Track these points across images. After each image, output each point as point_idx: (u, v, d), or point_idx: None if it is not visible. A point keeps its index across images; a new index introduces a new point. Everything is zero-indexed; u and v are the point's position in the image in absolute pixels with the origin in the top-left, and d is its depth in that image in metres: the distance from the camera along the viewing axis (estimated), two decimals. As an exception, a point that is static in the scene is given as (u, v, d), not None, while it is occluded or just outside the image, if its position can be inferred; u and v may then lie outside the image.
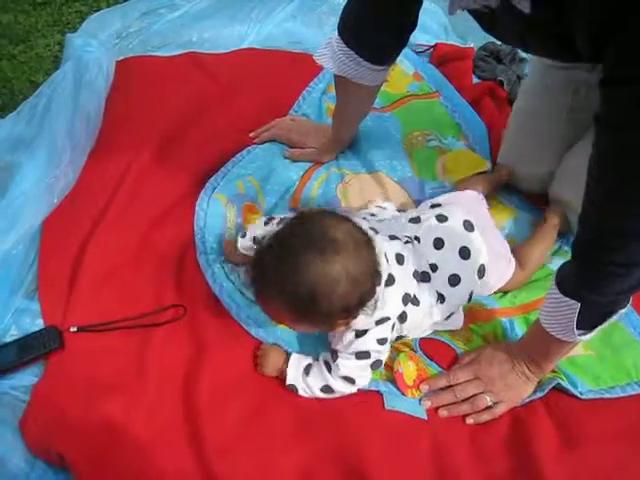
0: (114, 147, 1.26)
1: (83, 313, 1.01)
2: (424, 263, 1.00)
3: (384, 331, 0.95)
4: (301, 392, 0.95)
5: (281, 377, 0.97)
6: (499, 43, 1.60)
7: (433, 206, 1.09)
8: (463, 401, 0.97)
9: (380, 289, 0.91)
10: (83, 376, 0.94)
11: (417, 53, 1.61)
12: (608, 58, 0.68)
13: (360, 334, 0.93)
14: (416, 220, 1.05)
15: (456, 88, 1.50)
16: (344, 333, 0.94)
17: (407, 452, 0.93)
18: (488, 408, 0.96)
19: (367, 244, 0.88)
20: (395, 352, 1.03)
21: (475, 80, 1.56)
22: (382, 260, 0.91)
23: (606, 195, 0.74)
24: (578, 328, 0.84)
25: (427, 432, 0.95)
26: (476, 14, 0.88)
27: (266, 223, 1.04)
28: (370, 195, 1.24)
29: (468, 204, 1.10)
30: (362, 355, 0.94)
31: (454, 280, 1.00)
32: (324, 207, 1.21)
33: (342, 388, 0.95)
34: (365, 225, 0.96)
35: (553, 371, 1.00)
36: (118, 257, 1.09)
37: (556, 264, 1.18)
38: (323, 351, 0.99)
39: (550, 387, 0.98)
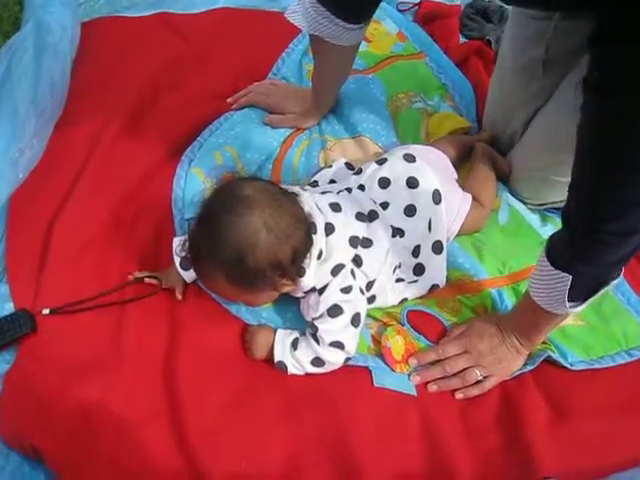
0: (82, 115, 1.19)
1: (55, 294, 0.96)
2: (368, 205, 1.00)
3: (344, 279, 0.93)
4: (290, 368, 0.92)
5: (270, 357, 0.94)
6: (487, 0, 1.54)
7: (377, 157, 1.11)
8: (453, 375, 0.95)
9: (322, 239, 0.92)
10: (57, 360, 0.90)
11: (401, 11, 1.54)
12: (600, 12, 0.62)
13: (322, 290, 0.93)
14: (358, 172, 1.08)
15: (442, 48, 1.45)
16: (309, 297, 0.94)
17: (396, 429, 0.91)
18: (478, 382, 0.94)
19: (284, 195, 0.91)
20: (383, 327, 1.01)
21: (462, 39, 1.50)
22: (314, 212, 0.93)
23: (599, 164, 0.72)
24: (569, 300, 0.82)
25: (416, 408, 0.93)
26: None
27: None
28: (355, 160, 1.18)
29: (418, 150, 1.10)
30: (334, 311, 0.92)
31: (410, 210, 1.00)
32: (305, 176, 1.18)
33: (332, 357, 0.92)
34: (292, 187, 1.00)
35: (543, 342, 0.98)
36: (89, 234, 1.04)
37: (544, 231, 1.15)
38: (307, 327, 0.96)
39: (540, 360, 0.97)
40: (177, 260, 0.97)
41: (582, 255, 0.78)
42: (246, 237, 0.85)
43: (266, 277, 0.88)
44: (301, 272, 0.90)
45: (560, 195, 1.17)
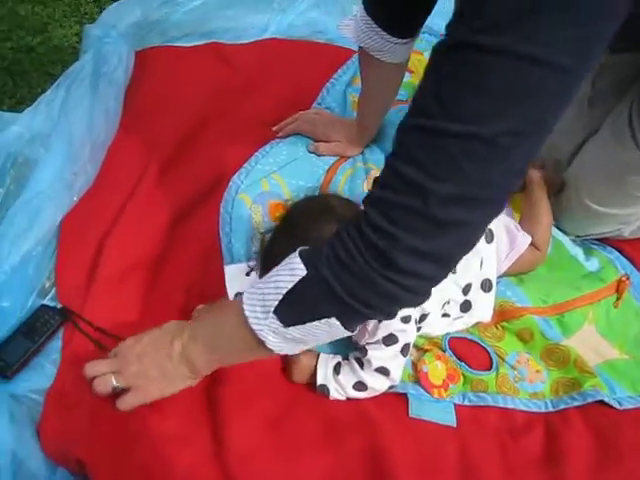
0: (134, 141, 1.23)
1: (99, 313, 0.99)
2: None
3: (405, 309, 0.92)
4: (333, 392, 0.92)
5: (311, 381, 0.94)
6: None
7: None
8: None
9: None
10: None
11: (443, 42, 1.56)
12: None
13: None
14: None
15: (484, 78, 1.45)
16: (367, 323, 0.92)
17: (434, 461, 0.89)
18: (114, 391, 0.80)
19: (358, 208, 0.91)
20: (422, 352, 1.00)
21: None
22: None
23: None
24: (275, 312, 0.68)
25: (455, 440, 0.91)
26: None
27: (248, 274, 1.00)
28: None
29: None
30: (390, 340, 0.92)
31: None
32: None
33: (375, 383, 0.92)
34: None
35: (593, 377, 0.96)
36: (136, 257, 1.07)
37: (589, 265, 1.14)
38: (351, 352, 0.96)
39: (591, 400, 0.94)
40: (231, 295, 0.97)
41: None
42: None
43: None
44: None
45: (603, 227, 1.16)
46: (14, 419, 0.87)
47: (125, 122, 1.27)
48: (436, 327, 1.01)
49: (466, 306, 1.01)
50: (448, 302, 1.00)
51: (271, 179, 1.19)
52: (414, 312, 0.95)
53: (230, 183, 1.19)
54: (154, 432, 0.86)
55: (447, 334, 1.02)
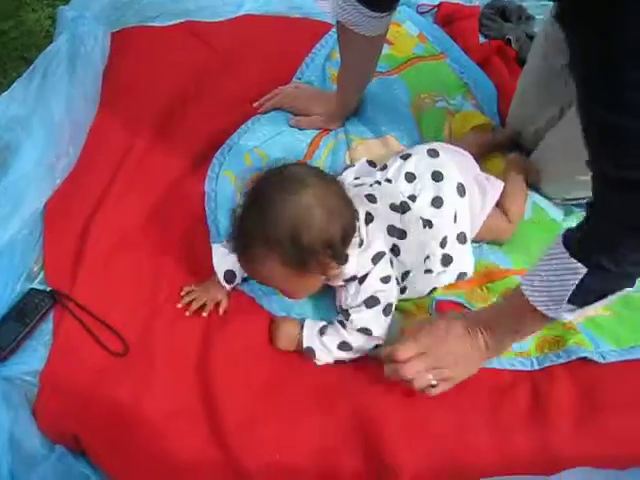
0: (115, 122, 1.23)
1: (88, 292, 1.00)
2: (399, 197, 1.02)
3: (384, 268, 0.95)
4: (318, 353, 0.94)
5: (297, 349, 0.96)
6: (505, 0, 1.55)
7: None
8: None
9: (362, 227, 0.95)
10: (89, 357, 0.94)
11: (420, 13, 1.56)
12: None
13: (362, 279, 0.94)
14: (383, 167, 1.10)
15: (462, 48, 1.46)
16: (349, 285, 0.95)
17: (423, 420, 0.91)
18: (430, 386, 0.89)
19: (333, 179, 0.94)
20: (411, 317, 1.02)
21: (482, 39, 1.51)
22: (355, 201, 0.94)
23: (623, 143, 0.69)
24: (569, 301, 0.78)
25: (443, 400, 0.91)
26: None
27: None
28: (379, 160, 1.20)
29: (441, 146, 1.11)
30: (371, 301, 0.94)
31: (437, 202, 1.02)
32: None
33: (360, 342, 0.94)
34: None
35: (576, 334, 0.98)
36: (123, 235, 1.07)
37: (568, 224, 1.16)
38: (335, 316, 0.99)
39: (575, 357, 0.96)
40: (220, 274, 0.98)
41: (609, 243, 0.74)
42: (301, 214, 0.85)
43: (319, 256, 0.88)
44: (346, 259, 0.91)
45: (586, 191, 1.17)
46: (9, 401, 0.89)
47: (104, 103, 1.27)
48: (420, 284, 1.02)
49: (446, 259, 1.02)
50: (428, 257, 1.01)
51: (254, 154, 1.20)
52: (394, 271, 0.96)
53: (213, 160, 1.19)
54: (146, 407, 0.89)
55: (433, 298, 1.04)
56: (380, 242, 0.96)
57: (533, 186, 1.21)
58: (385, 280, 0.95)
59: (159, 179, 1.15)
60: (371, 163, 1.16)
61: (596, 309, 0.99)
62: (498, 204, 1.11)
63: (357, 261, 0.93)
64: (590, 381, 0.96)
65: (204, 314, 0.99)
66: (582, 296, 0.79)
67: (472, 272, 1.05)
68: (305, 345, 0.94)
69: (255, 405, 0.91)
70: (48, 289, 1.00)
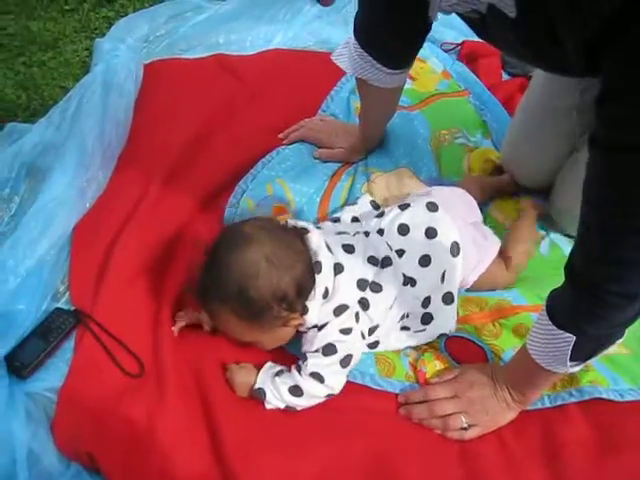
0: (143, 149, 1.27)
1: (109, 314, 1.02)
2: (383, 251, 1.00)
3: (345, 321, 0.94)
4: (269, 395, 0.91)
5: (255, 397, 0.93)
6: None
7: (401, 200, 1.11)
8: (437, 417, 0.93)
9: (329, 278, 0.94)
10: (106, 377, 0.95)
11: (445, 51, 1.59)
12: (606, 72, 0.62)
13: (321, 328, 0.93)
14: (380, 215, 1.09)
15: (486, 85, 1.48)
16: (308, 332, 0.94)
17: (434, 456, 0.91)
18: (461, 429, 0.92)
19: (284, 231, 0.95)
20: (421, 354, 1.02)
21: (505, 76, 1.54)
22: (322, 251, 0.95)
23: (604, 222, 0.70)
24: (571, 360, 0.80)
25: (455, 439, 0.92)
26: (467, 19, 0.83)
27: None
28: (394, 192, 1.23)
29: (442, 196, 1.09)
30: (328, 349, 0.92)
31: (425, 261, 1.01)
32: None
33: (311, 388, 0.91)
34: (308, 225, 1.00)
35: (591, 372, 0.97)
36: (146, 259, 1.09)
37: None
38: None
39: (590, 397, 0.95)
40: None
41: (588, 316, 0.76)
42: (246, 268, 0.88)
43: (273, 310, 0.89)
44: (305, 310, 0.92)
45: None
46: (30, 417, 0.91)
47: (135, 131, 1.31)
48: (394, 340, 1.01)
49: (426, 318, 1.01)
50: (407, 315, 1.01)
51: (275, 184, 1.23)
52: (359, 325, 0.96)
53: (236, 188, 1.22)
54: (159, 428, 0.89)
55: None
56: (346, 294, 0.95)
57: (550, 221, 1.21)
58: (345, 332, 0.94)
59: (182, 206, 1.18)
60: (374, 204, 1.17)
61: (613, 347, 1.00)
62: (499, 252, 1.10)
63: (319, 312, 0.93)
64: (606, 421, 0.94)
65: (206, 327, 1.00)
66: (581, 354, 0.81)
67: (453, 330, 1.03)
68: (257, 386, 0.92)
69: (258, 433, 0.91)
70: (72, 309, 1.03)
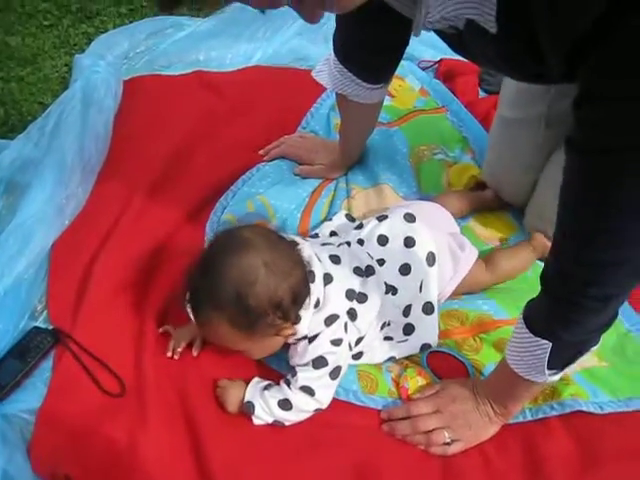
0: (123, 166, 1.27)
1: (89, 333, 1.01)
2: (366, 260, 1.01)
3: (336, 331, 0.94)
4: (257, 409, 0.91)
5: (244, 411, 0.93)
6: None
7: (379, 212, 1.12)
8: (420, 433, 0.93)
9: (320, 288, 0.94)
10: (86, 397, 0.94)
11: (422, 69, 1.62)
12: (584, 76, 0.63)
13: (312, 339, 0.93)
14: (359, 226, 1.09)
15: (463, 103, 1.50)
16: (298, 344, 0.94)
17: (418, 472, 0.91)
18: (444, 444, 0.92)
19: (281, 239, 0.94)
20: (403, 369, 1.02)
21: (482, 94, 1.56)
22: (314, 261, 0.95)
23: (580, 225, 0.71)
24: (549, 368, 0.81)
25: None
26: (443, 35, 0.84)
27: None
28: (374, 208, 1.24)
29: (420, 209, 1.11)
30: (319, 362, 0.92)
31: (405, 269, 1.01)
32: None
33: (301, 402, 0.91)
34: (294, 237, 1.01)
35: (570, 385, 0.97)
36: (127, 276, 1.09)
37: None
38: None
39: (571, 410, 0.95)
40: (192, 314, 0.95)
41: (563, 321, 0.77)
42: (244, 274, 0.86)
43: (268, 318, 0.88)
44: (298, 319, 0.92)
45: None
46: (6, 439, 0.89)
47: (114, 147, 1.31)
48: (378, 351, 1.01)
49: (409, 329, 1.01)
50: (389, 324, 1.01)
51: (256, 200, 1.23)
52: (348, 335, 0.95)
53: (217, 204, 1.22)
54: (140, 449, 0.88)
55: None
56: (337, 304, 0.95)
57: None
58: (336, 343, 0.93)
59: (162, 223, 1.18)
60: (350, 217, 1.18)
61: (592, 360, 1.01)
62: (489, 258, 1.11)
63: (310, 321, 0.93)
64: (587, 433, 0.95)
65: (194, 353, 0.99)
66: (558, 361, 0.82)
67: (436, 344, 1.03)
68: (246, 399, 0.92)
69: (244, 450, 0.91)
70: (50, 328, 1.02)
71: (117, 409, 0.93)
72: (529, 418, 0.96)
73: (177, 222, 1.19)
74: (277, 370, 0.99)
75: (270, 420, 0.92)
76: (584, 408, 0.96)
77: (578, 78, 0.64)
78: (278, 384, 0.95)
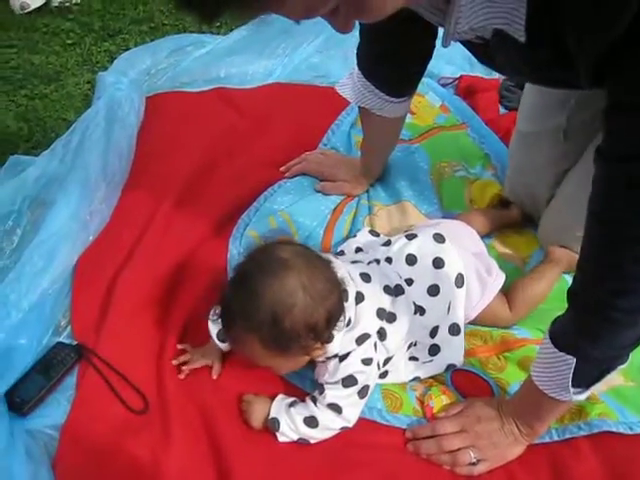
0: (146, 182, 1.28)
1: (112, 349, 1.01)
2: (395, 279, 1.00)
3: (367, 350, 0.93)
4: (282, 426, 0.90)
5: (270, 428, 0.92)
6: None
7: (406, 230, 1.11)
8: (446, 452, 0.92)
9: (352, 307, 0.93)
10: (109, 413, 0.94)
11: (443, 85, 1.62)
12: (614, 84, 0.64)
13: (343, 357, 0.92)
14: (387, 243, 1.08)
15: (483, 120, 1.50)
16: (328, 362, 0.93)
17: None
18: (470, 464, 0.91)
19: (319, 259, 0.91)
20: (427, 388, 1.01)
21: (502, 110, 1.56)
22: (347, 280, 0.93)
23: (611, 235, 0.70)
24: (573, 386, 0.80)
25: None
26: (470, 45, 0.84)
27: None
28: (396, 225, 1.24)
29: (447, 228, 1.09)
30: (349, 381, 0.91)
31: (433, 290, 1.00)
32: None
33: (327, 419, 0.90)
34: (326, 255, 0.99)
35: (599, 404, 0.96)
36: (150, 292, 1.09)
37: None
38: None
39: (599, 430, 0.94)
40: (214, 332, 0.96)
41: (591, 335, 0.76)
42: (283, 298, 0.84)
43: (300, 340, 0.87)
44: (330, 338, 0.90)
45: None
46: (31, 455, 0.89)
47: (138, 163, 1.32)
48: (403, 371, 1.00)
49: (435, 350, 1.00)
50: (415, 344, 1.00)
51: (278, 217, 1.23)
52: (377, 355, 0.94)
53: (239, 221, 1.23)
54: (163, 466, 0.88)
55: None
56: (368, 323, 0.94)
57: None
58: (366, 362, 0.92)
59: (186, 239, 1.18)
60: (374, 233, 1.17)
61: (619, 380, 1.00)
62: (505, 292, 1.09)
63: (341, 340, 0.92)
64: (616, 454, 0.93)
65: (214, 376, 0.99)
66: (583, 380, 0.81)
67: (461, 364, 1.02)
68: (271, 415, 0.91)
69: (266, 466, 0.90)
70: (74, 343, 1.02)
71: (140, 426, 0.93)
72: (555, 438, 0.95)
73: (200, 239, 1.19)
74: (301, 388, 0.99)
75: (295, 437, 0.91)
76: (613, 429, 0.94)
77: (607, 86, 0.65)
78: (303, 401, 0.94)
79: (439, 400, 0.99)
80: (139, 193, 1.25)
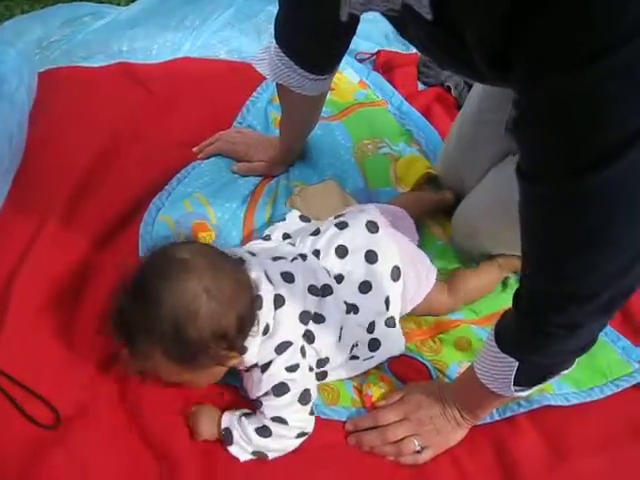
0: (42, 168, 1.15)
1: (12, 360, 0.89)
2: (322, 277, 0.93)
3: (290, 358, 0.87)
4: (236, 437, 0.84)
5: (219, 437, 0.86)
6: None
7: (337, 216, 1.03)
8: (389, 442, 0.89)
9: (270, 312, 0.86)
10: (17, 431, 0.84)
11: (360, 61, 1.57)
12: (513, 86, 0.59)
13: (265, 368, 0.86)
14: (316, 232, 1.00)
15: (403, 95, 1.47)
16: (252, 372, 0.87)
17: (387, 474, 0.88)
18: (414, 452, 0.88)
19: (225, 258, 0.85)
20: (364, 377, 0.98)
21: (420, 86, 1.54)
22: (263, 283, 0.87)
23: (540, 253, 0.68)
24: (515, 384, 0.79)
25: None
26: (388, 17, 0.78)
27: None
28: (320, 206, 1.17)
29: (381, 215, 1.04)
30: (280, 389, 0.85)
31: (365, 287, 0.95)
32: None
33: (277, 429, 0.85)
34: (239, 251, 0.93)
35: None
36: (51, 296, 0.98)
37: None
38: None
39: (538, 406, 0.94)
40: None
41: (531, 344, 0.75)
42: (185, 304, 0.78)
43: (209, 350, 0.80)
44: (244, 349, 0.84)
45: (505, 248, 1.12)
46: None
47: (31, 148, 1.19)
48: (345, 370, 0.96)
49: (375, 344, 0.96)
50: (356, 344, 0.95)
51: (194, 199, 1.14)
52: (306, 360, 0.89)
53: (150, 205, 1.12)
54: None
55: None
56: (289, 330, 0.87)
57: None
58: (292, 369, 0.86)
59: (90, 229, 1.07)
60: (303, 218, 1.10)
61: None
62: (451, 282, 1.06)
63: (259, 349, 0.85)
64: (555, 426, 0.94)
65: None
66: (525, 380, 0.79)
67: (402, 351, 0.99)
68: (223, 426, 0.85)
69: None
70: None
71: (55, 442, 0.83)
72: (496, 417, 0.94)
73: (106, 228, 1.08)
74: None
75: (248, 450, 0.84)
76: (552, 402, 0.94)
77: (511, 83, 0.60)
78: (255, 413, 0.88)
79: (377, 387, 0.95)
80: (34, 181, 1.12)
